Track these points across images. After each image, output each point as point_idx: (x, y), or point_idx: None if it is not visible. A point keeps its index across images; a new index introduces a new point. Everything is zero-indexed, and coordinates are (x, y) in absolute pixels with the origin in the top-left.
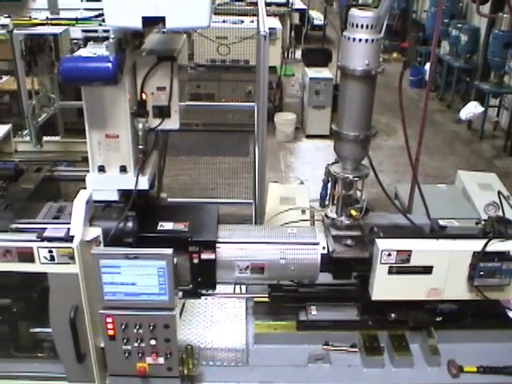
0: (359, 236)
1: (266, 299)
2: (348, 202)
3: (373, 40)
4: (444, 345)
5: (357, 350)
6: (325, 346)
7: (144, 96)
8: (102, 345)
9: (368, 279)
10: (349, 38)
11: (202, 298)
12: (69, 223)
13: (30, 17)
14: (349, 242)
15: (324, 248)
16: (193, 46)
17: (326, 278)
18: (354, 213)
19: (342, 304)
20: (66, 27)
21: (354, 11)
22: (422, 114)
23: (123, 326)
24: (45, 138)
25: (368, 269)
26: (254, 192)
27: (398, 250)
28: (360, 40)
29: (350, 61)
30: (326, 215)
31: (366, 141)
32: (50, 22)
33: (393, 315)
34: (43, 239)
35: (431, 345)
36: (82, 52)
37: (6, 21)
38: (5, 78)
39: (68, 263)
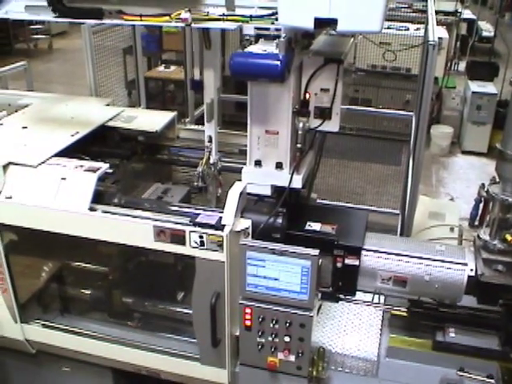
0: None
1: (404, 313)
2: (504, 225)
3: None
4: None
5: (494, 381)
6: (460, 372)
7: (307, 96)
8: (237, 333)
9: None
10: None
11: (340, 302)
12: (222, 212)
13: (207, 12)
14: (500, 267)
15: (472, 270)
16: (355, 49)
17: (468, 300)
18: (509, 238)
19: (483, 331)
20: (239, 23)
21: None
22: None
23: (260, 319)
24: None
25: None
26: (402, 203)
27: None
28: None
29: None
30: (478, 236)
31: None
32: (225, 17)
33: None
34: (195, 224)
35: None
36: (253, 48)
37: (187, 15)
38: (172, 67)
39: (216, 250)
